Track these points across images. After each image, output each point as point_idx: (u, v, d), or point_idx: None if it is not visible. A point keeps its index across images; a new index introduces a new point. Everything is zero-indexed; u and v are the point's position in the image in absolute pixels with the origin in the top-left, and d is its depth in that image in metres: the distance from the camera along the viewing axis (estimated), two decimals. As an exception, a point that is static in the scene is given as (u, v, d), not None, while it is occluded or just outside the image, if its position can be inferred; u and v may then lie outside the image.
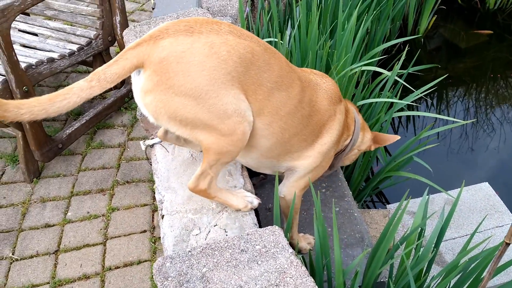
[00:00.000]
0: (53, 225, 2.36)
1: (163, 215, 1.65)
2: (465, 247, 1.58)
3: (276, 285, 1.24)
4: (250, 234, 1.38)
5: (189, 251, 1.35)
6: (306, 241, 1.92)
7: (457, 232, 2.39)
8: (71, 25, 2.91)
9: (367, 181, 2.61)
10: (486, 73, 3.99)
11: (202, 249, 1.35)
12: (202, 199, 1.67)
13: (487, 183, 2.61)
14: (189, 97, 1.33)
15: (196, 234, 1.57)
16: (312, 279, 1.25)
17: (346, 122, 1.76)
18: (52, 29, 2.78)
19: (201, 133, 1.41)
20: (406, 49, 2.66)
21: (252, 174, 2.24)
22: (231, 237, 1.38)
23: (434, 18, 4.18)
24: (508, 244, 0.88)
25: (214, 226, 1.59)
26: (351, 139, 1.80)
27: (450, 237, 2.39)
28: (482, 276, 1.50)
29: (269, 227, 1.40)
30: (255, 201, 1.64)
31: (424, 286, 1.65)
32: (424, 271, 1.65)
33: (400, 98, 2.43)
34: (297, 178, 1.71)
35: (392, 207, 2.56)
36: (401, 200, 1.57)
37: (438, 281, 1.56)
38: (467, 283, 1.52)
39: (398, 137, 1.91)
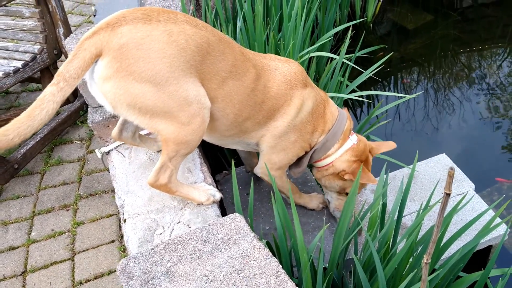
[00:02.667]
0: (18, 247, 2.29)
1: (125, 219, 1.63)
2: (423, 213, 1.63)
3: (241, 270, 1.25)
4: (211, 225, 1.39)
5: (152, 249, 1.34)
6: (317, 200, 2.01)
7: (420, 205, 2.46)
8: (14, 42, 2.84)
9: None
10: (436, 51, 4.12)
11: (165, 245, 1.35)
12: (163, 198, 1.66)
13: (444, 154, 2.70)
14: (150, 84, 1.33)
15: (160, 233, 1.56)
16: (276, 259, 1.27)
17: (320, 112, 1.74)
18: (-5, 48, 2.71)
19: (160, 122, 1.41)
20: (350, 33, 2.72)
21: (215, 171, 2.24)
22: (193, 229, 1.38)
23: (380, 2, 4.29)
24: (448, 195, 0.92)
25: (178, 223, 1.59)
26: (325, 136, 1.75)
27: (414, 209, 2.45)
28: (444, 238, 1.56)
29: (230, 215, 1.41)
30: (217, 194, 1.65)
31: (393, 258, 1.69)
32: (391, 244, 1.68)
33: (352, 81, 2.49)
34: (262, 158, 1.77)
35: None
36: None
37: (403, 246, 1.59)
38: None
39: (393, 144, 1.87)
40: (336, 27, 3.67)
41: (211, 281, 1.24)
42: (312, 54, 2.21)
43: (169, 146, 1.45)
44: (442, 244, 1.64)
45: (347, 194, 1.89)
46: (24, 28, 2.61)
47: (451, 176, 0.87)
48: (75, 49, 1.32)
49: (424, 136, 3.17)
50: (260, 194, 2.14)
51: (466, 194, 1.94)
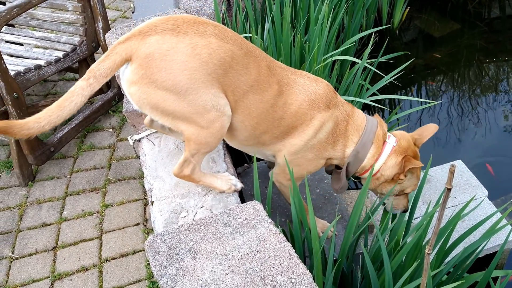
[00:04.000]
0: (50, 224, 2.46)
1: (153, 202, 1.77)
2: (433, 210, 1.71)
3: (257, 251, 1.37)
4: (232, 210, 1.51)
5: (177, 228, 1.47)
6: (319, 225, 1.94)
7: (432, 207, 2.53)
8: (56, 34, 3.02)
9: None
10: (461, 60, 4.15)
11: (189, 226, 1.48)
12: (188, 184, 1.79)
13: (460, 160, 2.76)
14: (170, 92, 1.45)
15: (184, 216, 1.69)
16: (290, 244, 1.38)
17: (341, 129, 1.72)
18: (37, 38, 2.89)
19: (181, 124, 1.54)
20: (372, 38, 2.80)
21: (237, 163, 2.37)
22: (215, 213, 1.51)
23: (407, 10, 4.34)
24: (449, 190, 1.02)
25: (201, 208, 1.72)
26: (355, 148, 1.73)
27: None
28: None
29: (249, 202, 1.53)
30: (239, 184, 1.77)
31: (400, 251, 1.77)
32: (401, 240, 1.77)
33: (373, 85, 2.57)
34: (277, 170, 1.82)
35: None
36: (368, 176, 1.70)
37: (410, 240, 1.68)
38: (440, 242, 1.64)
39: (435, 127, 1.80)
40: (361, 32, 3.75)
41: (229, 259, 1.36)
42: (335, 58, 2.31)
43: (190, 145, 1.58)
44: (448, 245, 1.72)
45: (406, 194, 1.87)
46: (66, 21, 2.78)
47: (452, 172, 0.97)
48: (109, 50, 1.45)
49: (444, 142, 3.23)
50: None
51: (475, 198, 2.01)
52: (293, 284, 1.29)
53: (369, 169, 1.76)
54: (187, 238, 1.44)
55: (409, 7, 4.35)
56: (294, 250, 1.36)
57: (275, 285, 1.28)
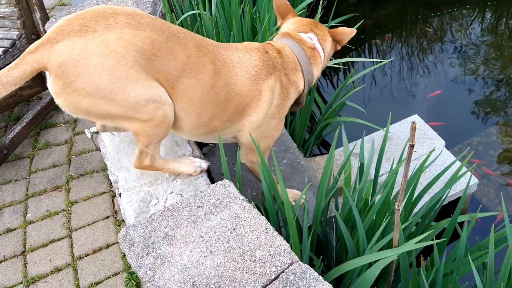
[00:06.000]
0: (15, 229, 2.38)
1: (120, 193, 1.73)
2: (397, 167, 1.77)
3: (233, 229, 1.38)
4: (203, 191, 1.50)
5: (149, 217, 1.45)
6: (290, 195, 1.92)
7: (396, 164, 2.62)
8: (-8, 30, 2.85)
9: (310, 132, 2.78)
10: (407, 17, 4.24)
11: (161, 213, 1.46)
12: (155, 172, 1.76)
13: (416, 115, 2.84)
14: (96, 97, 1.37)
15: (155, 204, 1.67)
16: (265, 218, 1.40)
17: (286, 81, 1.70)
18: (-29, 36, 2.72)
19: (123, 122, 1.47)
20: (321, 3, 2.81)
21: (201, 145, 2.35)
22: (186, 197, 1.49)
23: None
24: (412, 146, 1.05)
25: (171, 193, 1.70)
26: (304, 83, 1.74)
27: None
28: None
29: (220, 181, 1.52)
30: (204, 164, 1.75)
31: (371, 210, 1.83)
32: (369, 199, 1.82)
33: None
34: (244, 150, 1.78)
35: (337, 152, 2.75)
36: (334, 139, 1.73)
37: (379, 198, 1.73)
38: (406, 196, 1.70)
39: (354, 31, 1.83)
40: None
41: (206, 241, 1.36)
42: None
43: (140, 138, 1.52)
44: (414, 198, 1.79)
45: None
46: (1, 15, 2.62)
47: (413, 129, 1.00)
48: (19, 58, 1.36)
49: (399, 99, 3.32)
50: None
51: (435, 149, 2.09)
52: (272, 256, 1.30)
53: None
54: (161, 226, 1.42)
55: (352, -32, 4.36)
56: (269, 224, 1.38)
57: (255, 260, 1.30)
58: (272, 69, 1.66)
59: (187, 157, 1.79)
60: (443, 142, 2.61)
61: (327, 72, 3.53)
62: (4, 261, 2.25)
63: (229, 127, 1.67)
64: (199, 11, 2.33)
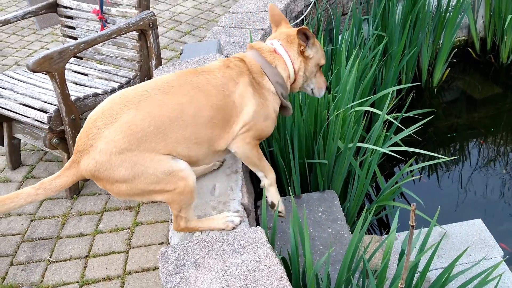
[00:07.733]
0: (86, 235, 2.73)
1: (172, 221, 1.98)
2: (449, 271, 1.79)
3: (253, 270, 1.53)
4: (237, 232, 1.69)
5: (187, 243, 1.67)
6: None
7: (447, 263, 2.57)
8: (115, 67, 3.42)
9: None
10: (499, 124, 4.18)
11: (198, 242, 1.67)
12: (205, 208, 1.99)
13: (480, 219, 2.79)
14: (123, 183, 1.65)
15: (198, 235, 1.88)
16: (283, 268, 1.54)
17: (256, 85, 1.84)
18: (99, 70, 3.29)
19: (154, 196, 1.72)
20: (411, 95, 2.96)
21: (258, 196, 2.55)
22: (223, 233, 1.69)
23: (448, 70, 4.47)
24: (413, 227, 1.15)
25: (213, 230, 1.90)
26: (274, 86, 1.87)
27: (441, 266, 2.56)
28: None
29: (253, 227, 1.71)
30: (236, 219, 1.86)
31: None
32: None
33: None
34: (239, 142, 1.85)
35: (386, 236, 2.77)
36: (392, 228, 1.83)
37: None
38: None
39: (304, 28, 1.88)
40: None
41: (227, 275, 1.53)
42: (358, 108, 2.49)
43: (171, 205, 1.76)
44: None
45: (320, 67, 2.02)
46: (125, 57, 3.16)
47: (413, 210, 1.11)
48: (61, 170, 1.66)
49: (464, 199, 3.26)
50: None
51: (489, 258, 2.03)
52: (279, 303, 1.43)
53: (296, 78, 1.94)
54: (194, 252, 1.63)
55: (449, 68, 4.47)
56: (285, 273, 1.51)
57: (263, 302, 1.43)
58: (236, 76, 1.82)
59: (222, 213, 1.92)
60: (501, 252, 2.53)
61: (391, 158, 3.59)
62: (69, 259, 2.59)
63: (225, 138, 1.81)
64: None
